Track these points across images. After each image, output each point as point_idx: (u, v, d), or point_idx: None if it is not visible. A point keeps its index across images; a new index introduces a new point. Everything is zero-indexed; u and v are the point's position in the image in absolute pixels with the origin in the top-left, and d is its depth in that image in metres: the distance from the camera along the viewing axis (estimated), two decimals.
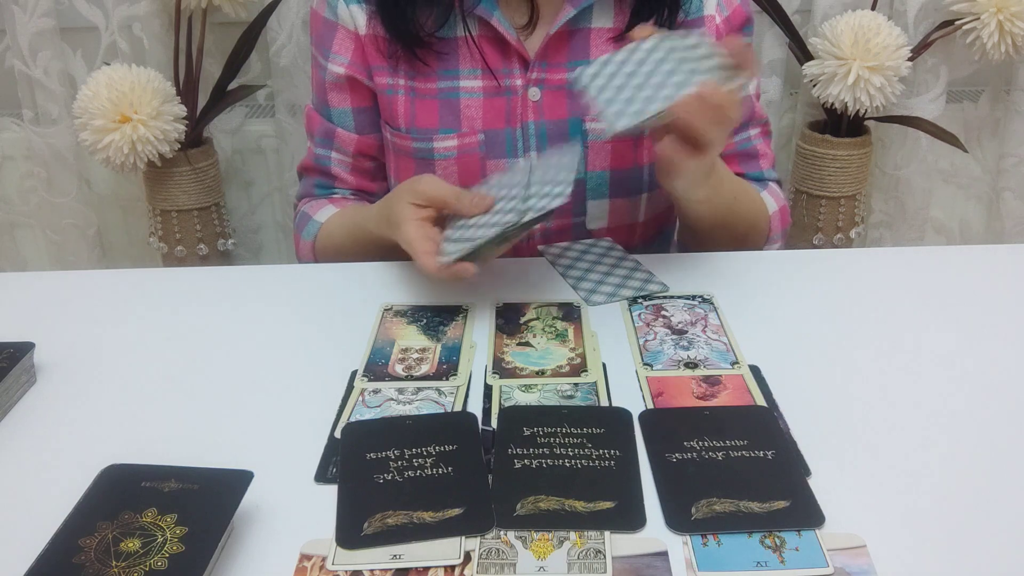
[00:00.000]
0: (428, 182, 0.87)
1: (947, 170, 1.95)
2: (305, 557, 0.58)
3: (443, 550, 0.58)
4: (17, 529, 0.62)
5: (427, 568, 0.57)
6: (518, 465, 0.65)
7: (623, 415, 0.71)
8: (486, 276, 0.94)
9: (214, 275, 1.00)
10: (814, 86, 1.69)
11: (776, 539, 0.59)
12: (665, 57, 0.84)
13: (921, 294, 0.89)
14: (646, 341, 0.82)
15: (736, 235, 1.04)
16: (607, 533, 0.59)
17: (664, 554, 0.58)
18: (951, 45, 1.76)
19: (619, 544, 0.59)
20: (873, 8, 1.71)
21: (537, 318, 0.86)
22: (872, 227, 1.95)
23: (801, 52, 1.75)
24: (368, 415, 0.72)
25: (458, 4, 0.99)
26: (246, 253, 1.98)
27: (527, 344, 0.82)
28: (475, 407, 0.73)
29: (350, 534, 0.59)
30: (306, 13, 1.73)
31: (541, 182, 0.84)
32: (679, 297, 0.89)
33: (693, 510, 0.61)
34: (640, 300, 0.89)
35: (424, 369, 0.79)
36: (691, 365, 0.78)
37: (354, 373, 0.78)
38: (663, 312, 0.87)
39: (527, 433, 0.69)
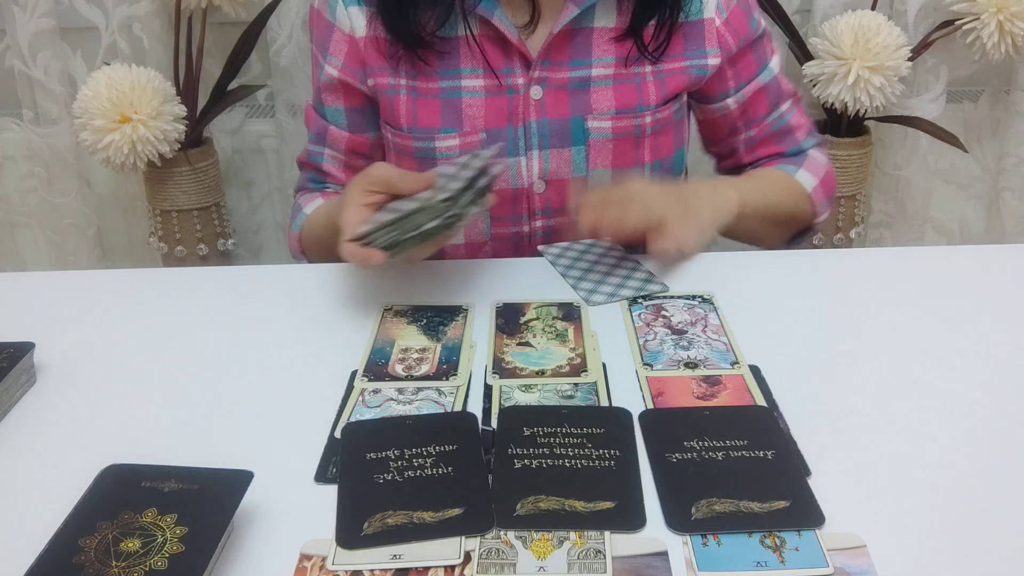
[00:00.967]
0: (379, 167, 0.87)
1: (947, 170, 1.95)
2: (305, 557, 0.58)
3: (443, 550, 0.58)
4: (17, 529, 0.62)
5: (427, 568, 0.57)
6: (518, 465, 0.65)
7: (623, 415, 0.71)
8: (485, 276, 0.94)
9: (214, 275, 1.00)
10: (814, 86, 1.69)
11: (776, 539, 0.59)
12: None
13: (921, 294, 0.89)
14: (646, 341, 0.82)
15: (782, 225, 1.08)
16: (607, 533, 0.59)
17: (664, 554, 0.58)
18: (951, 45, 1.76)
19: (619, 544, 0.58)
20: (873, 8, 1.71)
21: (537, 318, 0.86)
22: (872, 227, 1.95)
23: (801, 52, 1.75)
24: (368, 415, 0.72)
25: (459, 3, 0.99)
26: (246, 253, 1.98)
27: (527, 344, 0.82)
28: (475, 407, 0.73)
29: (350, 534, 0.59)
30: (306, 13, 1.73)
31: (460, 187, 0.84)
32: (679, 297, 0.89)
33: (693, 510, 0.61)
34: (640, 300, 0.89)
35: (424, 369, 0.79)
36: (691, 365, 0.78)
37: (354, 373, 0.78)
38: (663, 312, 0.87)
39: (527, 433, 0.69)
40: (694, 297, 0.89)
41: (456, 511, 0.61)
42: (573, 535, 0.59)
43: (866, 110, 1.66)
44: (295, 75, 1.77)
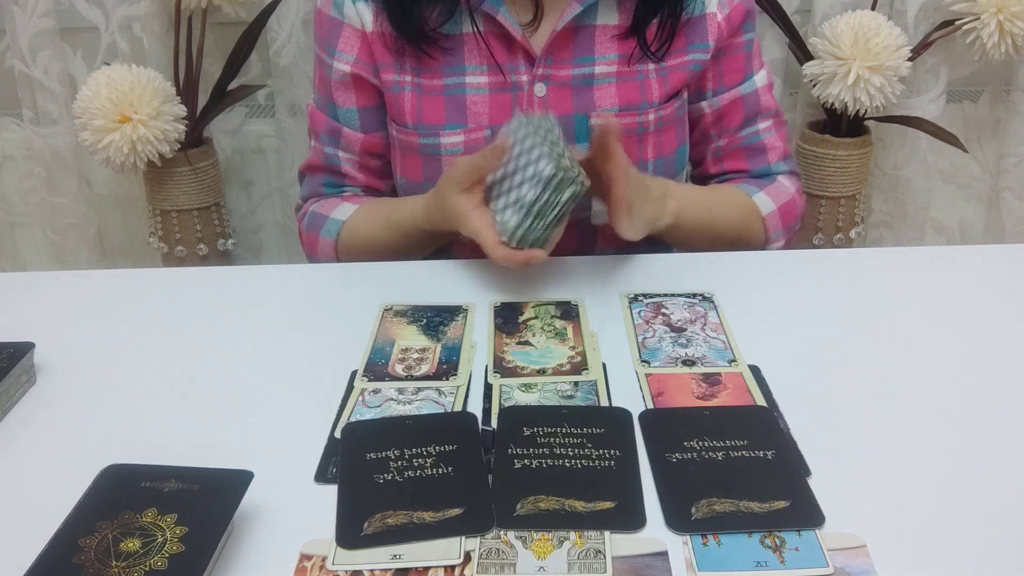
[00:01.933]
0: (459, 164, 0.90)
1: (947, 170, 1.95)
2: (305, 557, 0.58)
3: (443, 550, 0.58)
4: (17, 529, 0.62)
5: (427, 568, 0.57)
6: (518, 465, 0.65)
7: (623, 415, 0.71)
8: (485, 276, 0.94)
9: (214, 275, 1.00)
10: (814, 86, 1.69)
11: (776, 539, 0.59)
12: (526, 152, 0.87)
13: (921, 294, 0.89)
14: (645, 338, 0.82)
15: (727, 241, 1.04)
16: (607, 533, 0.59)
17: (664, 554, 0.58)
18: (951, 45, 1.76)
19: (619, 544, 0.59)
20: (873, 8, 1.71)
21: (535, 317, 0.86)
22: (872, 227, 1.95)
23: (801, 52, 1.75)
24: (368, 415, 0.72)
25: (464, 0, 0.99)
26: (246, 253, 1.98)
27: (527, 343, 0.82)
28: (475, 407, 0.73)
29: (350, 534, 0.59)
30: (306, 13, 1.73)
31: (543, 143, 0.86)
32: (679, 295, 0.89)
33: (693, 510, 0.61)
34: (640, 298, 0.89)
35: (424, 369, 0.79)
36: (689, 363, 0.78)
37: (354, 373, 0.78)
38: (663, 310, 0.87)
39: (527, 433, 0.69)
40: (694, 295, 0.89)
41: (456, 511, 0.61)
42: (573, 535, 0.59)
43: (866, 110, 1.66)
44: (295, 75, 1.77)
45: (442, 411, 0.73)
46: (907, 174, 1.88)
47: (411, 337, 0.84)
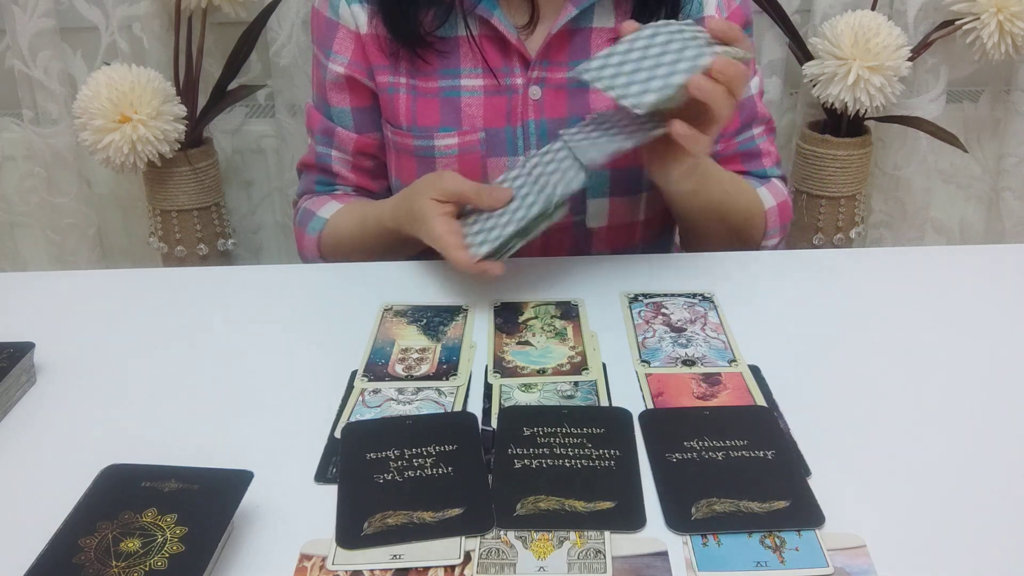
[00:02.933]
0: (449, 179, 0.89)
1: (947, 170, 1.95)
2: (305, 557, 0.58)
3: (443, 550, 0.58)
4: (17, 529, 0.62)
5: (427, 568, 0.57)
6: (518, 465, 0.65)
7: (623, 415, 0.71)
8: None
9: (214, 275, 1.00)
10: (814, 86, 1.69)
11: (776, 539, 0.59)
12: (669, 40, 0.84)
13: (921, 294, 0.89)
14: (645, 338, 0.82)
15: (731, 227, 1.04)
16: (607, 533, 0.59)
17: (664, 554, 0.58)
18: (951, 45, 1.76)
19: (619, 544, 0.59)
20: (873, 8, 1.71)
21: (535, 317, 0.86)
22: (872, 227, 1.95)
23: (801, 52, 1.75)
24: (368, 415, 0.72)
25: (459, 3, 0.99)
26: (246, 253, 1.98)
27: (527, 343, 0.82)
28: (475, 407, 0.73)
29: (350, 534, 0.60)
30: (306, 13, 1.73)
31: (551, 172, 0.86)
32: (679, 295, 0.89)
33: (693, 510, 0.61)
34: (640, 298, 0.89)
35: (424, 369, 0.79)
36: (689, 363, 0.78)
37: (354, 373, 0.78)
38: (663, 310, 0.87)
39: (527, 433, 0.69)
40: (694, 295, 0.89)
41: (456, 511, 0.61)
42: (573, 535, 0.59)
43: (866, 110, 1.66)
44: (295, 75, 1.77)
45: (442, 411, 0.73)
46: (907, 174, 1.88)
47: (411, 337, 0.84)
